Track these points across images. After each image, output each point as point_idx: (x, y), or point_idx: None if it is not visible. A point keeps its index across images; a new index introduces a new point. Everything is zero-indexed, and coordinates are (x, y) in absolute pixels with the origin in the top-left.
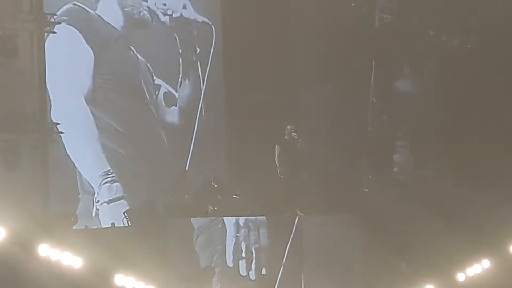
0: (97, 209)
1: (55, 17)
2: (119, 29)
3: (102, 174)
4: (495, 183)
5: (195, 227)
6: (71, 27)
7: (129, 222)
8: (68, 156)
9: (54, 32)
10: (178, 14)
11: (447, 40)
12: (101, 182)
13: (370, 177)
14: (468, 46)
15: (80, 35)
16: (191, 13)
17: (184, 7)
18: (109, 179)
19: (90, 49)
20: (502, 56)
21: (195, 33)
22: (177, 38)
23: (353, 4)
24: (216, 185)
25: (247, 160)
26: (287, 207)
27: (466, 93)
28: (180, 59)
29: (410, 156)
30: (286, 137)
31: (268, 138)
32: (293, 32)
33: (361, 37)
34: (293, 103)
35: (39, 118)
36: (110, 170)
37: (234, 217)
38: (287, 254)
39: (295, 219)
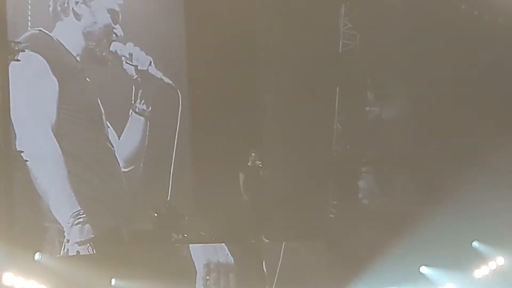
0: (67, 250)
1: (19, 44)
2: (79, 59)
3: (74, 214)
4: (462, 206)
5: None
6: (37, 54)
7: (94, 250)
8: (35, 187)
9: (18, 60)
10: (145, 68)
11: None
12: (72, 222)
13: (335, 202)
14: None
15: (46, 63)
16: (157, 72)
17: (150, 63)
18: (81, 219)
19: (55, 78)
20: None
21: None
22: (133, 88)
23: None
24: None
25: (212, 187)
26: (253, 233)
27: (432, 117)
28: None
29: (374, 181)
30: (249, 164)
31: (233, 165)
32: (258, 60)
33: (326, 64)
34: (257, 130)
35: (2, 147)
36: (81, 210)
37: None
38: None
39: (282, 246)
